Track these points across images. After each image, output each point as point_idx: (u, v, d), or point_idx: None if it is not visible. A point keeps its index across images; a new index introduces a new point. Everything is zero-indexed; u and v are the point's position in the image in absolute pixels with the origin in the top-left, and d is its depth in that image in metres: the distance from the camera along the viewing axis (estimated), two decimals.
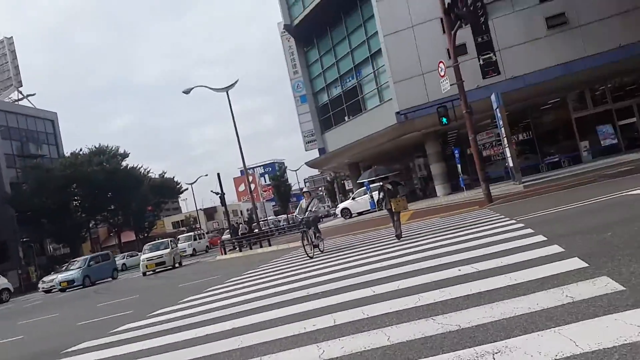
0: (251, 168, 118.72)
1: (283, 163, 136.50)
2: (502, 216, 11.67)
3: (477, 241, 8.12)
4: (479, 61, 21.25)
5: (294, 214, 27.84)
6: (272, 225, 43.14)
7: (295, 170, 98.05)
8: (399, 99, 24.35)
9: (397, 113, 24.27)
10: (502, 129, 19.58)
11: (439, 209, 18.74)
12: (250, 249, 20.68)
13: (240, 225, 29.30)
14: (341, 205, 30.62)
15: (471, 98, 19.99)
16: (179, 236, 44.85)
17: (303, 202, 12.99)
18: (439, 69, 17.07)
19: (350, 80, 29.00)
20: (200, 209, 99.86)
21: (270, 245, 19.83)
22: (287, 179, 63.77)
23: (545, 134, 23.99)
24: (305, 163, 31.89)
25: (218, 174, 29.79)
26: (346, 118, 29.39)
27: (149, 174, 59.80)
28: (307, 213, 12.45)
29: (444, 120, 17.12)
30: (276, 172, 59.29)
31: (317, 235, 12.66)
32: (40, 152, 53.27)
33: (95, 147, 52.17)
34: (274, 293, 7.55)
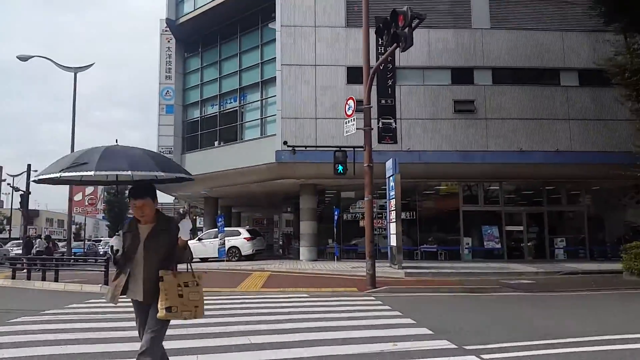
0: None
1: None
2: (400, 318, 7.95)
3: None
4: (378, 123, 18.80)
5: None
6: (89, 250, 35.34)
7: None
8: (284, 138, 20.54)
9: (279, 151, 20.40)
10: (393, 200, 16.64)
11: (304, 279, 14.74)
12: (28, 279, 14.29)
13: (38, 240, 22.15)
14: None
15: (358, 159, 17.17)
16: None
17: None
18: (346, 107, 13.66)
19: (231, 102, 24.67)
20: (19, 209, 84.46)
21: (57, 280, 13.68)
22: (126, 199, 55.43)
23: (429, 219, 21.80)
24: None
25: (28, 165, 23.05)
26: (216, 143, 24.72)
27: None
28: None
29: (340, 168, 13.60)
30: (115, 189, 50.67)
31: None
32: None
33: None
34: None
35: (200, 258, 23.73)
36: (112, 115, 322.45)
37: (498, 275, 15.65)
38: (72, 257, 21.79)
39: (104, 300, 10.41)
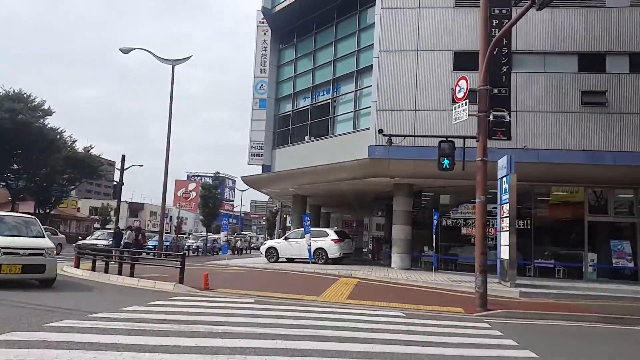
0: (198, 176, 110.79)
1: (225, 177, 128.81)
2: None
3: None
4: (488, 117, 16.23)
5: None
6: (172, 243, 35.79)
7: (243, 191, 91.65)
8: (377, 132, 18.68)
9: (372, 146, 18.57)
10: (506, 205, 14.07)
11: (398, 292, 12.76)
12: (106, 272, 13.68)
13: (128, 232, 22.13)
14: (267, 244, 24.18)
15: (467, 155, 14.83)
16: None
17: None
18: (456, 89, 11.44)
19: (323, 95, 23.25)
20: (126, 201, 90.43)
21: (132, 275, 12.86)
22: (222, 195, 55.59)
23: (545, 230, 18.68)
24: (242, 177, 25.44)
25: (123, 155, 23.31)
26: (306, 137, 23.44)
27: (73, 144, 51.20)
28: None
29: (446, 162, 11.45)
30: (211, 181, 50.61)
31: None
32: None
33: (14, 91, 43.76)
34: None
35: (286, 258, 22.62)
36: (216, 116, 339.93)
37: (636, 301, 12.57)
38: (150, 250, 21.66)
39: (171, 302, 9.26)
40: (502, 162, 14.63)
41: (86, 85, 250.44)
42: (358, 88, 21.04)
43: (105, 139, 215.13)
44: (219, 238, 43.15)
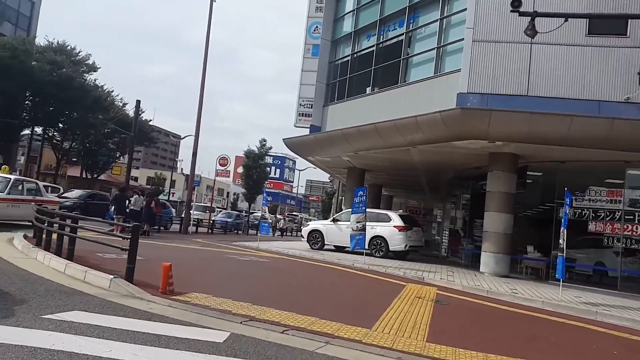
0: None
1: (287, 157, 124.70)
2: None
3: None
4: None
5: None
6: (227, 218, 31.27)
7: (301, 170, 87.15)
8: (472, 74, 12.80)
9: (463, 94, 12.77)
10: None
11: (515, 320, 7.11)
12: (53, 250, 8.76)
13: (135, 197, 17.23)
14: (311, 225, 18.79)
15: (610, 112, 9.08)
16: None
17: None
18: None
19: (394, 29, 17.31)
20: (182, 174, 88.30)
21: (71, 256, 7.79)
22: (264, 168, 49.55)
23: None
24: (284, 140, 20.09)
25: (138, 101, 18.93)
26: (368, 89, 17.75)
27: (124, 107, 48.08)
28: None
29: None
30: (255, 151, 44.54)
31: None
32: None
33: (57, 42, 40.77)
34: None
35: (335, 246, 17.34)
36: (284, 97, 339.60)
37: None
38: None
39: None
40: None
41: (160, 62, 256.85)
42: (445, 15, 14.97)
43: (175, 114, 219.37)
44: (244, 213, 38.20)
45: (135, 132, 21.02)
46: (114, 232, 11.56)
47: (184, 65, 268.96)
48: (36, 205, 11.29)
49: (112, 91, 45.96)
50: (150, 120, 52.74)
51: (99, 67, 43.52)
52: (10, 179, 13.58)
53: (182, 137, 74.40)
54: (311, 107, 21.19)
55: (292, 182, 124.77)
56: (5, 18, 44.39)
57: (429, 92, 14.82)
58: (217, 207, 46.67)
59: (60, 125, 44.84)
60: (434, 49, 15.20)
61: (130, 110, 49.65)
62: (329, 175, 59.14)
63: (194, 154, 22.89)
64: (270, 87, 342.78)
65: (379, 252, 15.82)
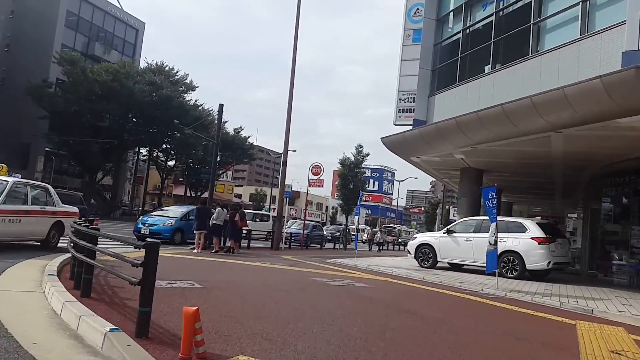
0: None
1: (386, 169, 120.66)
2: None
3: None
4: None
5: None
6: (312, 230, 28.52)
7: (401, 181, 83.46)
8: None
9: (630, 52, 9.10)
10: None
11: None
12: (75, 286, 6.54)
13: (218, 210, 15.18)
14: (419, 238, 15.58)
15: None
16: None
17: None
18: None
19: None
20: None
21: (89, 293, 5.43)
22: (362, 176, 45.48)
23: None
24: (382, 138, 17.07)
25: (220, 105, 17.30)
26: (487, 68, 14.36)
27: (225, 124, 48.24)
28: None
29: None
30: (351, 158, 40.85)
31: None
32: (106, 58, 43.97)
33: (156, 64, 41.75)
34: None
35: (449, 263, 14.17)
36: (381, 112, 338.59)
37: None
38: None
39: None
40: None
41: (262, 86, 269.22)
42: None
43: (276, 134, 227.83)
44: (320, 225, 35.14)
45: (218, 140, 19.34)
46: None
47: (284, 87, 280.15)
48: (73, 222, 7.52)
49: (211, 110, 46.25)
50: (249, 137, 52.58)
51: (197, 86, 44.08)
52: (6, 182, 9.85)
53: (280, 153, 74.35)
54: (413, 101, 18.19)
55: (392, 194, 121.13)
56: (112, 47, 46.86)
57: (573, 59, 11.18)
58: (312, 221, 44.63)
59: (164, 145, 46.06)
60: (578, 3, 11.51)
61: (230, 128, 49.96)
62: (430, 183, 54.54)
63: (284, 163, 20.86)
64: (367, 102, 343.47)
65: (512, 271, 12.35)
